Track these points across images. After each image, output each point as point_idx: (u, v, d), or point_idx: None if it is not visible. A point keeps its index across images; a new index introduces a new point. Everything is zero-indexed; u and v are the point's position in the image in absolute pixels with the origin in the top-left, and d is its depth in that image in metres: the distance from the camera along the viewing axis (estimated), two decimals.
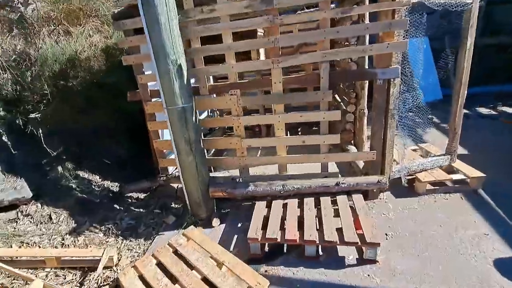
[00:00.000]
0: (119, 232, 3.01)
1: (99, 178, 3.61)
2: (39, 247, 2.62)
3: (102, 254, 2.46)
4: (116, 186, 3.65)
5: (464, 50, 2.90)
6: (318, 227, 2.50)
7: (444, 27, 4.45)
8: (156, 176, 3.55)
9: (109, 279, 2.39)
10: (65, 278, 2.42)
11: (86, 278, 2.40)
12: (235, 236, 2.82)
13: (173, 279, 2.19)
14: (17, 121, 3.07)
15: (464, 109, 3.16)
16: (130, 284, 2.15)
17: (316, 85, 2.80)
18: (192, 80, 2.98)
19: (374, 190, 3.05)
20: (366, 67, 3.23)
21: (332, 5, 3.35)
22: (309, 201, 2.85)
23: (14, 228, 2.72)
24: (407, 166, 3.13)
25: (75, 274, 2.46)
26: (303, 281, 2.24)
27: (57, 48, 3.32)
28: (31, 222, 2.82)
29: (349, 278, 2.22)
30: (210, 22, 2.79)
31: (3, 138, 2.97)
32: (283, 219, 2.67)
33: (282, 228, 2.54)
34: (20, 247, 2.57)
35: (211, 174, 3.32)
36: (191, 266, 2.27)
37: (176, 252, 2.45)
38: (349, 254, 2.42)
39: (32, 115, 3.05)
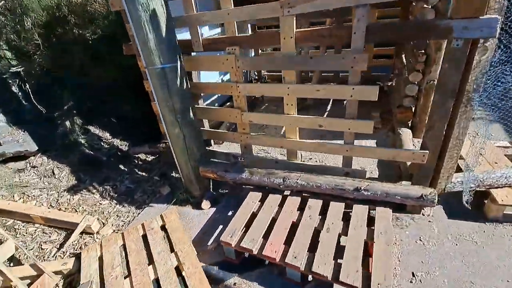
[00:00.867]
0: (116, 195, 2.92)
1: (110, 135, 3.51)
2: (37, 201, 2.69)
3: (81, 221, 2.39)
4: (126, 146, 3.53)
5: None
6: (309, 247, 1.86)
7: None
8: (160, 141, 3.27)
9: (86, 246, 2.32)
10: (50, 236, 2.45)
11: (67, 241, 2.38)
12: (220, 227, 2.41)
13: (128, 269, 1.95)
14: (23, 72, 2.98)
15: None
16: (87, 264, 2.00)
17: (348, 42, 1.85)
18: (187, 34, 2.33)
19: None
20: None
21: None
22: (313, 205, 2.17)
23: (20, 178, 2.83)
24: (479, 177, 2.08)
25: (60, 234, 2.47)
26: None
27: None
28: (35, 174, 2.91)
29: None
30: None
31: (13, 88, 2.96)
32: (273, 221, 2.10)
33: (267, 236, 2.00)
34: (20, 198, 2.69)
35: (211, 148, 2.84)
36: (151, 259, 1.99)
37: (144, 236, 2.20)
38: None
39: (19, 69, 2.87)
